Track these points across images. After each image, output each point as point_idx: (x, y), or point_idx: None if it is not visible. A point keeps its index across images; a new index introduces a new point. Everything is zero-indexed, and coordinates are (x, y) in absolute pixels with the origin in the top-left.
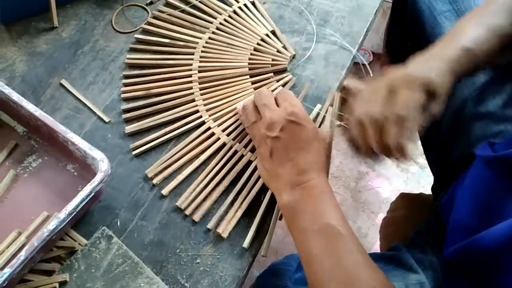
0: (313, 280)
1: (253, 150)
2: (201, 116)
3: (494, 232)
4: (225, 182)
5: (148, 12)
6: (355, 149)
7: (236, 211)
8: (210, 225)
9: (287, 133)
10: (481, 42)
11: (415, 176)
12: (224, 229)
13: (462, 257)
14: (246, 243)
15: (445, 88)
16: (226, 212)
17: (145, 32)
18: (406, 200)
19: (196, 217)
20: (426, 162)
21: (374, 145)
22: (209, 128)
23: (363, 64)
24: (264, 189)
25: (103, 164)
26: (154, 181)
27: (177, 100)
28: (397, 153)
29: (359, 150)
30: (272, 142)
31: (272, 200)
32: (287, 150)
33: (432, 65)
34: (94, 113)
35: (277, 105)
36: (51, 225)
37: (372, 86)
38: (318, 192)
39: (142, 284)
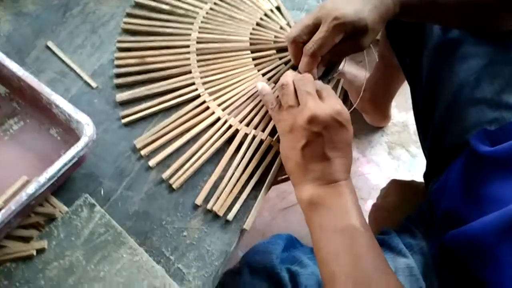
0: (328, 278)
1: (248, 124)
2: (196, 89)
3: (490, 220)
4: (221, 159)
5: None
6: None
7: (232, 189)
8: (209, 205)
9: (330, 133)
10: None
11: (406, 164)
12: (220, 208)
13: (456, 243)
14: (230, 216)
15: (381, 23)
16: (222, 190)
17: None
18: (398, 187)
19: (180, 190)
20: (418, 150)
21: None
22: (204, 102)
23: None
24: (260, 163)
25: (88, 128)
26: (143, 152)
27: (172, 70)
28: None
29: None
30: (310, 136)
31: (264, 174)
32: (326, 149)
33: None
34: (81, 77)
35: (319, 97)
36: (30, 189)
37: (308, 15)
38: (346, 193)
39: (124, 255)
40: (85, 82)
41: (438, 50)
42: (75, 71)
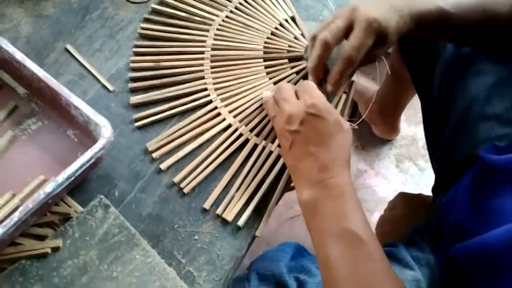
0: (329, 284)
1: (258, 134)
2: (209, 95)
3: (500, 233)
4: (231, 165)
5: None
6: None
7: (241, 196)
8: (219, 210)
9: (307, 127)
10: (462, 8)
11: (413, 178)
12: (229, 214)
13: (466, 257)
14: (241, 222)
15: (397, 36)
16: (232, 196)
17: (162, 3)
18: (405, 199)
19: (193, 194)
20: (426, 164)
21: (314, 62)
22: (215, 108)
23: None
24: (269, 172)
25: (105, 130)
26: (154, 155)
27: (186, 76)
28: (332, 85)
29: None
30: (291, 135)
31: (274, 183)
32: (307, 144)
33: (395, 11)
34: (98, 81)
35: (298, 97)
36: (48, 187)
37: (337, 12)
38: (340, 192)
39: (137, 256)
40: (102, 85)
41: (451, 65)
42: (92, 74)
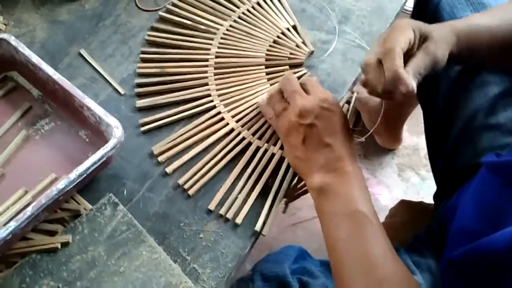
0: (336, 264)
1: (260, 138)
2: (212, 101)
3: (503, 235)
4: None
5: None
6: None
7: (245, 196)
8: (222, 211)
9: (322, 120)
10: (482, 30)
11: (415, 186)
12: (233, 214)
13: (468, 260)
14: (258, 226)
15: (439, 35)
16: (235, 197)
17: (169, 12)
18: (406, 207)
19: (199, 195)
20: (427, 174)
21: (375, 84)
22: (219, 113)
23: None
24: (272, 173)
25: (117, 131)
26: (160, 158)
27: (190, 82)
28: (396, 85)
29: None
30: (306, 129)
31: (278, 183)
32: (323, 136)
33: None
34: (110, 84)
35: (305, 91)
36: (61, 184)
37: (380, 35)
38: (353, 178)
39: (144, 252)
40: (114, 88)
41: (458, 76)
42: (104, 78)
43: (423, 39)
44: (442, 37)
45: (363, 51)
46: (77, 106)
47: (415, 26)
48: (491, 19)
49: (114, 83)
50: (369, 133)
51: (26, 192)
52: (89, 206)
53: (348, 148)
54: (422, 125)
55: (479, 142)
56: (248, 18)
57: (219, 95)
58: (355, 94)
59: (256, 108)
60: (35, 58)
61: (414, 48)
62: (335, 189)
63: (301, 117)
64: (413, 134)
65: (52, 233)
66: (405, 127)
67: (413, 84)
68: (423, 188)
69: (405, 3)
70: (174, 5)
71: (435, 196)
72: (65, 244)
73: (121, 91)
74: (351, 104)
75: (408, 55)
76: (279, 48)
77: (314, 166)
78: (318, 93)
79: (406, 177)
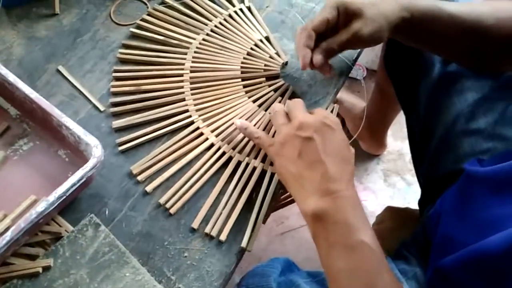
0: None
1: (241, 152)
2: (190, 116)
3: (496, 240)
4: (217, 182)
5: (148, 7)
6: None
7: (228, 212)
8: (207, 228)
9: (321, 136)
10: (442, 13)
11: (401, 192)
12: (218, 231)
13: (458, 267)
14: (244, 242)
15: (372, 13)
16: (219, 213)
17: (140, 28)
18: (393, 213)
19: (182, 212)
20: (413, 179)
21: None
22: (197, 128)
23: (357, 79)
24: (255, 187)
25: (96, 150)
26: (139, 177)
27: (167, 98)
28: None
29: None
30: (303, 142)
31: (262, 197)
32: (319, 152)
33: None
34: (90, 101)
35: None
36: (40, 207)
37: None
38: (351, 204)
39: (127, 274)
40: (94, 105)
41: (437, 83)
42: (84, 95)
43: (350, 16)
44: (377, 15)
45: (342, 62)
46: (56, 126)
47: (340, 4)
48: (459, 6)
49: (93, 100)
50: (352, 138)
51: (5, 216)
52: (70, 227)
53: (345, 171)
54: (406, 130)
55: (461, 148)
56: (220, 31)
57: (197, 110)
58: (336, 105)
59: None
60: (11, 77)
61: (339, 25)
62: (333, 216)
63: (299, 130)
64: (398, 139)
65: (33, 257)
66: (389, 132)
67: (317, 57)
68: (409, 193)
69: None
70: (144, 20)
71: (420, 202)
72: (46, 268)
73: (101, 107)
74: (334, 112)
75: (335, 32)
76: (254, 60)
77: (308, 186)
78: (320, 113)
79: (392, 182)
